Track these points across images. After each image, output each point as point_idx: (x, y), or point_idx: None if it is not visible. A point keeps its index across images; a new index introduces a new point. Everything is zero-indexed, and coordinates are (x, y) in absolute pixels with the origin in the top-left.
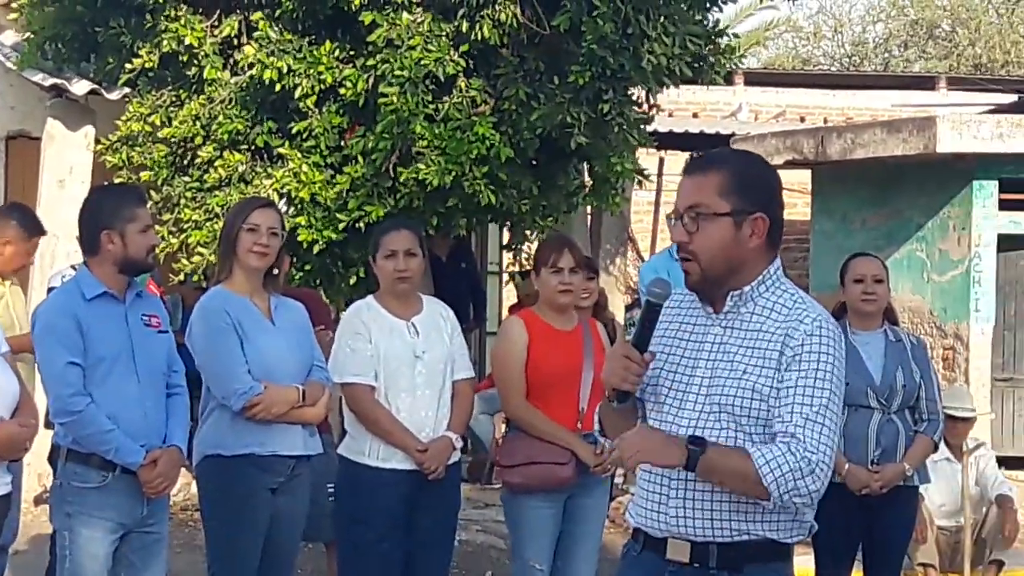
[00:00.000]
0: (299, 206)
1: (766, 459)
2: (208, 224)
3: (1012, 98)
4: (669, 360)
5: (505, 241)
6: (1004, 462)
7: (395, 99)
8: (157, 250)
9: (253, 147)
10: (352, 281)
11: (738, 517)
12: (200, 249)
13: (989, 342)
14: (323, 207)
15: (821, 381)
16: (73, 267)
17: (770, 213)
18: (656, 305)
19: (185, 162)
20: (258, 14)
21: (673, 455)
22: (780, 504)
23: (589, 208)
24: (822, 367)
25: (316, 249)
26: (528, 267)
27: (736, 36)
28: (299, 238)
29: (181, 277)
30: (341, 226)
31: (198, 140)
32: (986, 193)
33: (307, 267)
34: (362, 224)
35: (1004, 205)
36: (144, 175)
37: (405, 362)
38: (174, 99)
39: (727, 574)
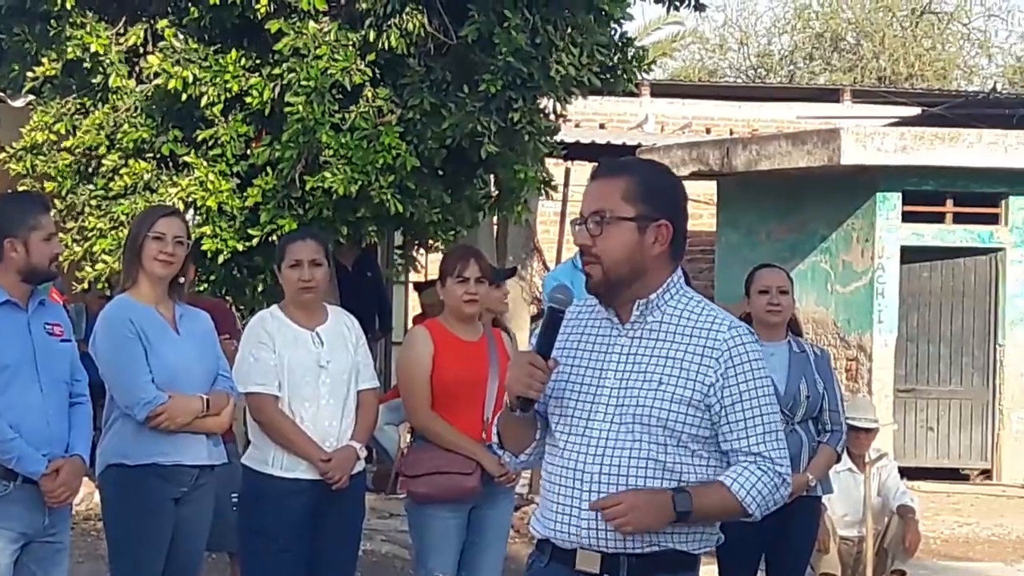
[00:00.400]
0: (205, 215)
1: (746, 489)
2: (113, 232)
3: (916, 111)
4: (574, 371)
5: (399, 248)
6: (906, 473)
7: (301, 108)
8: (61, 258)
9: (158, 155)
10: (260, 288)
11: (649, 532)
12: (104, 257)
13: (892, 353)
14: (230, 217)
15: (763, 390)
16: None
17: (674, 221)
18: (558, 311)
19: (90, 170)
20: (164, 22)
21: (665, 518)
22: (761, 516)
23: (495, 218)
24: (758, 376)
25: (221, 259)
26: (424, 277)
27: (644, 48)
28: (203, 247)
29: (85, 285)
30: (255, 240)
31: (103, 149)
32: (889, 205)
33: (212, 276)
34: (275, 238)
35: (907, 217)
36: (48, 184)
37: (309, 372)
38: (79, 107)
39: None
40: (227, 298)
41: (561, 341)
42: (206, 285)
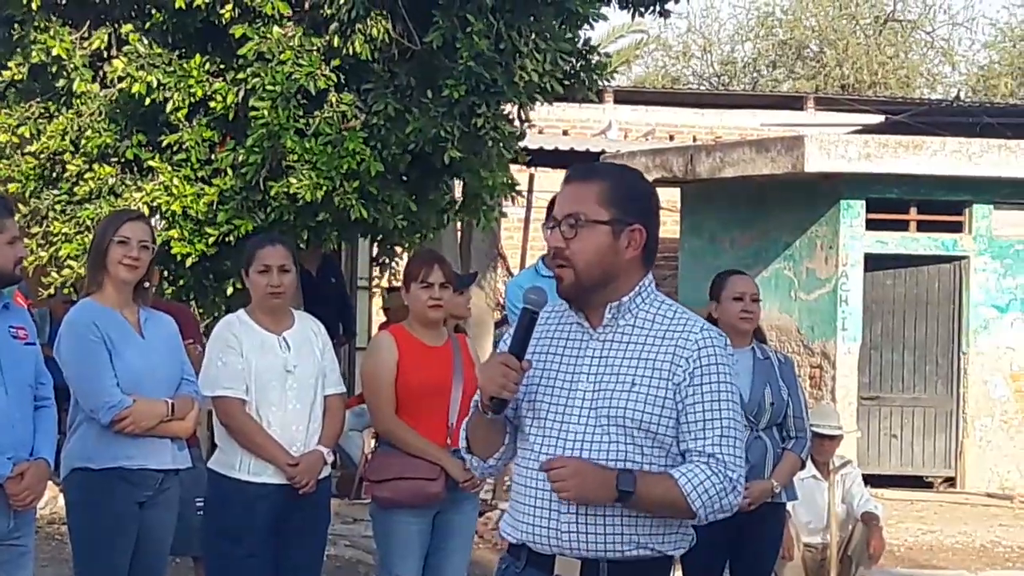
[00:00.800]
0: (171, 219)
1: (693, 485)
2: (78, 237)
3: (879, 119)
4: (546, 375)
5: (375, 255)
6: (870, 480)
7: (266, 113)
8: (26, 263)
9: (123, 160)
10: (229, 292)
11: (631, 531)
12: (70, 262)
13: (856, 361)
14: (194, 220)
15: (725, 395)
16: None
17: (647, 226)
18: (533, 312)
19: (54, 175)
20: (128, 27)
21: (607, 494)
22: (702, 521)
23: (459, 224)
24: (723, 379)
25: (189, 262)
26: (398, 283)
27: (607, 55)
28: (172, 251)
29: (51, 291)
30: (211, 240)
31: (67, 155)
32: (853, 213)
33: (181, 281)
34: (232, 238)
35: (871, 225)
36: (12, 187)
37: (276, 376)
38: (43, 111)
39: None
40: (193, 303)
41: (532, 345)
42: (172, 289)
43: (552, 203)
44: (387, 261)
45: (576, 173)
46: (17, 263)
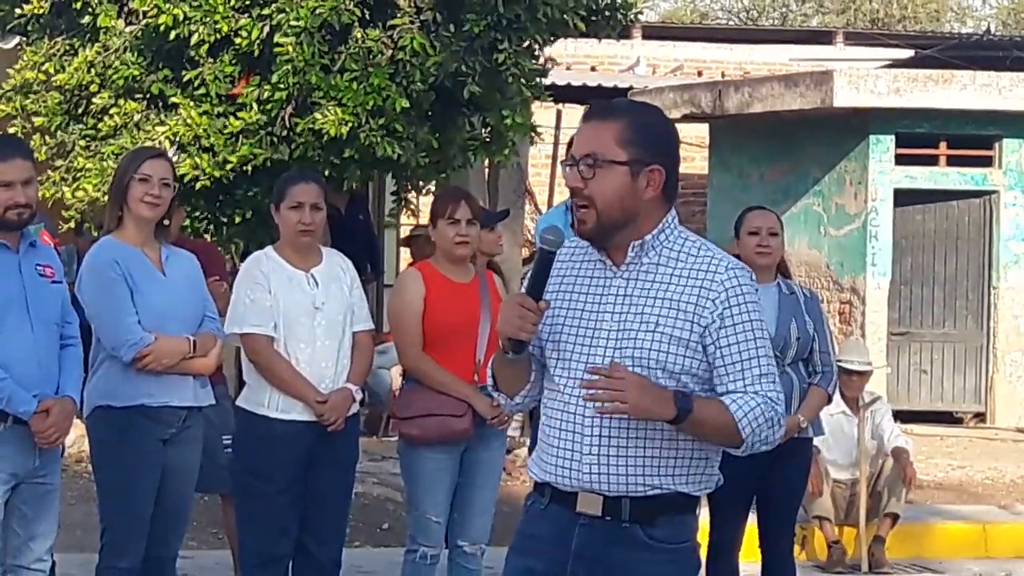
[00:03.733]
0: (189, 150)
1: (744, 412)
2: (101, 172)
3: (908, 53)
4: (571, 314)
5: (393, 192)
6: (900, 416)
7: (291, 49)
8: (47, 195)
9: (148, 95)
10: (238, 221)
11: (653, 472)
12: (85, 184)
13: (885, 296)
14: (211, 151)
15: (758, 332)
16: None
17: (666, 166)
18: (549, 252)
19: (79, 110)
20: None
21: (666, 411)
22: (745, 452)
23: (486, 161)
24: (754, 318)
25: (198, 186)
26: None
27: None
28: (181, 172)
29: (71, 224)
30: (229, 167)
31: (93, 88)
32: (882, 148)
33: (196, 213)
34: (250, 167)
35: (900, 160)
36: (38, 120)
37: (304, 313)
38: (68, 47)
39: (639, 527)
40: (206, 235)
41: (555, 284)
42: (187, 221)
43: (571, 141)
44: (407, 198)
45: (595, 111)
46: (12, 207)
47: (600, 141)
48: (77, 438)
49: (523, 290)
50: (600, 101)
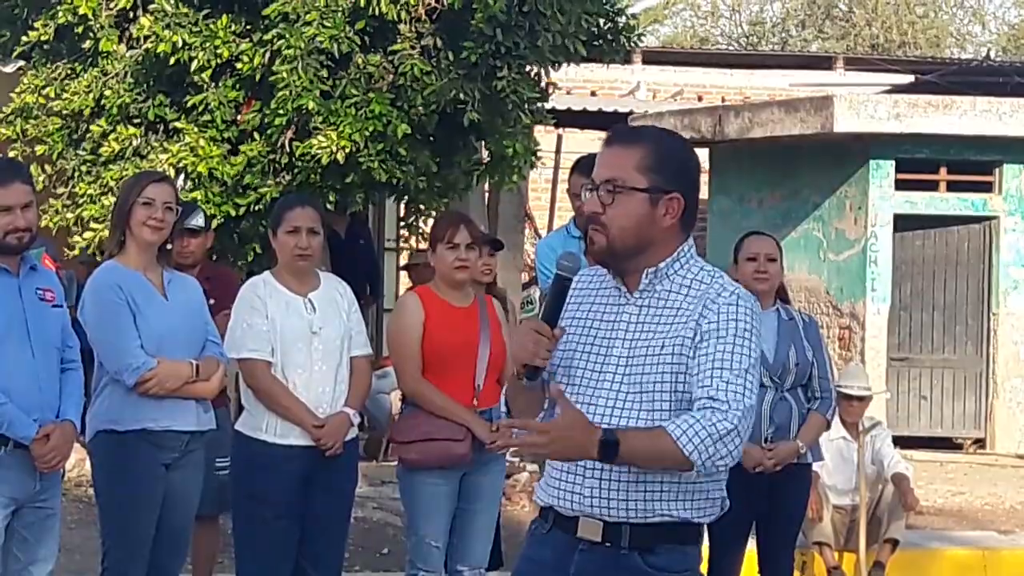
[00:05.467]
0: (196, 181)
1: (682, 429)
2: (102, 198)
3: (908, 78)
4: (582, 339)
5: (402, 217)
6: (900, 441)
7: (286, 75)
8: (50, 223)
9: (147, 121)
10: (249, 258)
11: (653, 497)
12: (93, 224)
13: (885, 322)
14: (220, 182)
15: (741, 347)
16: None
17: (686, 194)
18: (566, 279)
19: (79, 135)
20: None
21: (588, 452)
22: (704, 471)
23: (487, 185)
24: (740, 334)
25: (214, 224)
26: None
27: (634, 16)
28: None
29: (76, 252)
30: (243, 209)
31: (88, 113)
32: (883, 173)
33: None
34: (262, 205)
35: (900, 185)
36: (39, 148)
37: (302, 338)
38: (69, 71)
39: (637, 554)
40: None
41: (569, 309)
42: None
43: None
44: (415, 223)
45: (617, 136)
46: (11, 232)
47: (621, 167)
48: (77, 462)
49: (538, 316)
50: (623, 126)
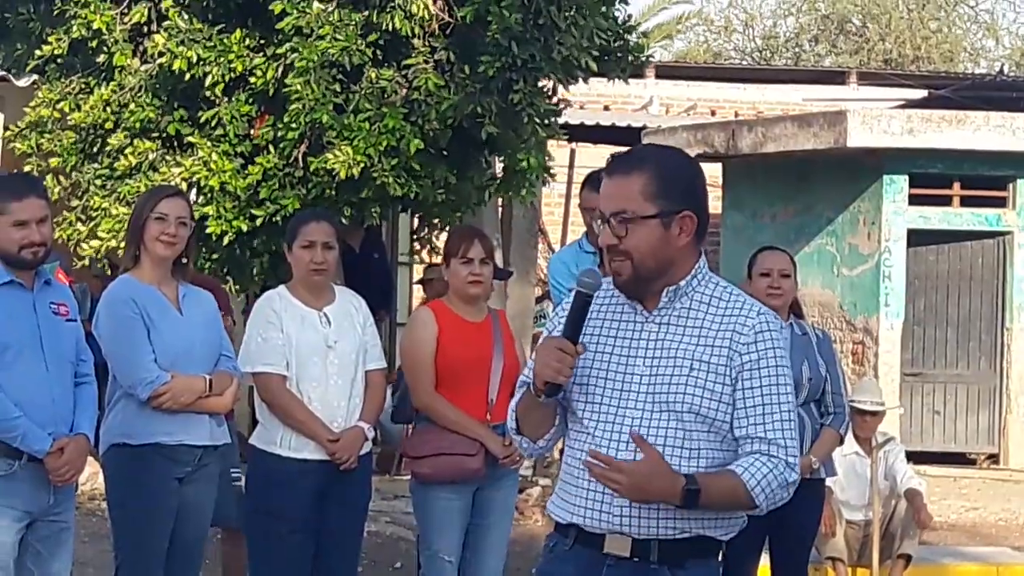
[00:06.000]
0: (208, 195)
1: (756, 480)
2: (116, 210)
3: (922, 93)
4: (601, 357)
5: (415, 231)
6: (913, 457)
7: (300, 88)
8: (64, 234)
9: (164, 135)
10: (255, 270)
11: (681, 515)
12: (101, 233)
13: (899, 337)
14: (233, 196)
15: (783, 378)
16: None
17: (696, 210)
18: (587, 295)
19: (95, 149)
20: (168, 1)
21: (669, 499)
22: (764, 511)
23: (500, 200)
24: (779, 364)
25: (226, 240)
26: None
27: (645, 35)
28: (208, 229)
29: (85, 262)
30: (259, 222)
31: (108, 126)
32: (896, 188)
33: (214, 256)
34: (279, 218)
35: (914, 200)
36: (53, 161)
37: (317, 352)
38: (83, 86)
39: (667, 569)
40: (227, 278)
41: (587, 326)
42: (208, 264)
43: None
44: (428, 236)
45: (616, 166)
46: (25, 247)
47: (627, 197)
48: (91, 475)
49: (557, 332)
50: (622, 153)
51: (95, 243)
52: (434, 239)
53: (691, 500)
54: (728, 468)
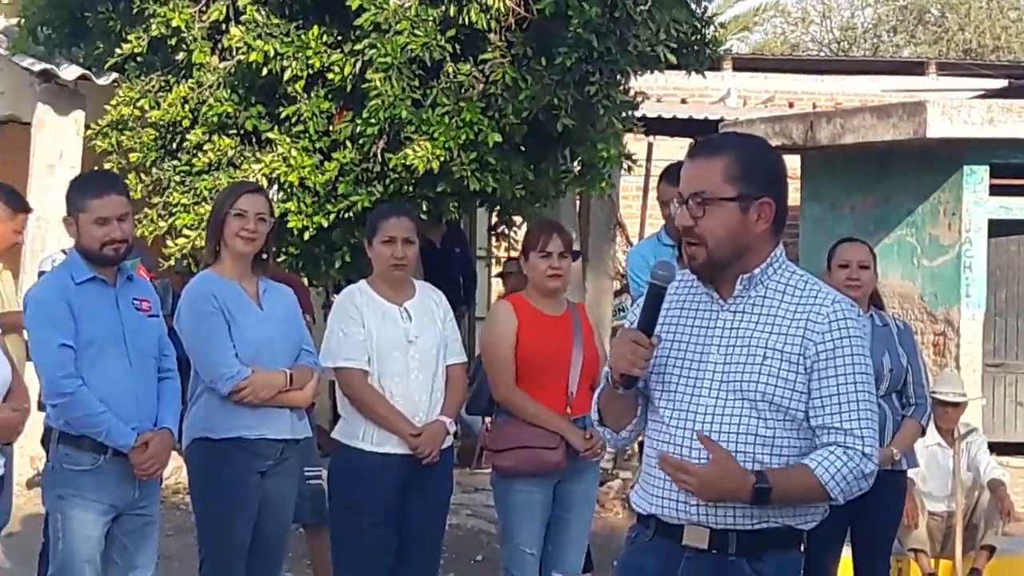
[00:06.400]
0: (288, 191)
1: (831, 473)
2: (196, 207)
3: (1002, 83)
4: (677, 346)
5: (492, 225)
6: (995, 448)
7: (379, 84)
8: (145, 232)
9: (242, 131)
10: (337, 265)
11: (760, 509)
12: (186, 231)
13: (980, 327)
14: (312, 192)
15: (860, 367)
16: (63, 251)
17: (776, 198)
18: (661, 288)
19: (174, 146)
20: None
21: (740, 497)
22: (841, 502)
23: (578, 193)
24: (857, 353)
25: (307, 236)
26: (516, 253)
27: (722, 27)
28: (289, 224)
29: (171, 262)
30: (332, 216)
31: (186, 123)
32: (976, 178)
33: (292, 250)
34: (352, 213)
35: (995, 190)
36: (133, 156)
37: (398, 347)
38: (163, 84)
39: (745, 561)
40: (303, 273)
41: (661, 317)
42: (286, 259)
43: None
44: (506, 231)
45: (700, 148)
46: (107, 244)
47: (707, 179)
48: (174, 469)
49: (633, 325)
50: (705, 137)
51: (181, 241)
52: (511, 233)
53: (762, 497)
54: (802, 462)
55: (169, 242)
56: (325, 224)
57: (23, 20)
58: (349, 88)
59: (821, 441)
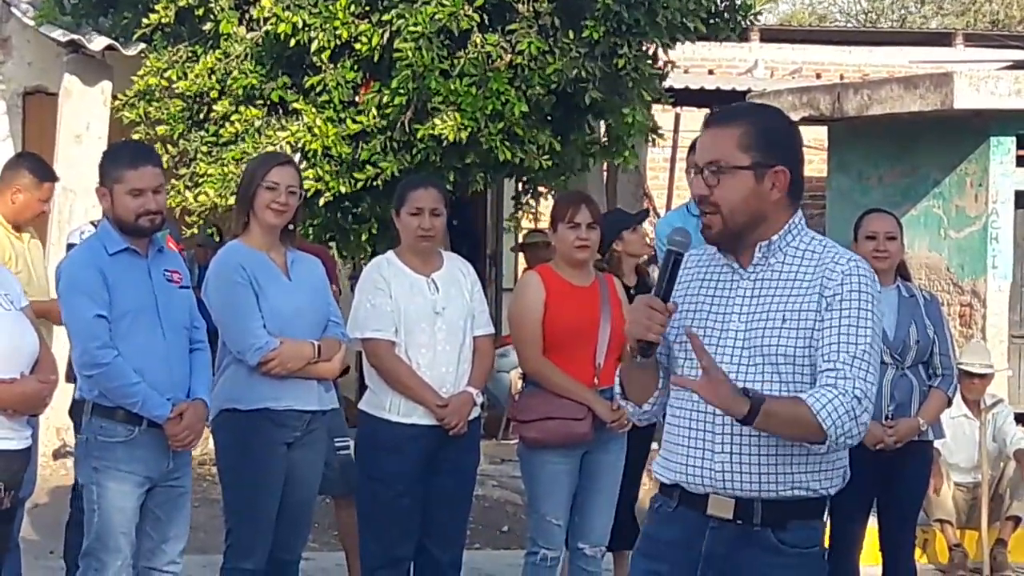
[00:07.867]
0: (312, 159)
1: (822, 404)
2: (223, 178)
3: None
4: (698, 314)
5: (516, 196)
6: (1022, 419)
7: (410, 54)
8: (172, 203)
9: (269, 102)
10: (364, 237)
11: (784, 470)
12: (207, 188)
13: (1007, 299)
14: (336, 160)
15: (863, 319)
16: (92, 223)
17: (790, 166)
18: (678, 254)
19: (201, 116)
20: None
21: (739, 406)
22: (834, 448)
23: (605, 165)
24: (863, 306)
25: (322, 201)
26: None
27: None
28: (309, 195)
29: (195, 229)
30: (359, 184)
31: (214, 94)
32: (1003, 149)
33: (317, 221)
34: (380, 181)
35: (1021, 161)
36: (160, 128)
37: (425, 318)
38: (190, 54)
39: (770, 531)
40: (330, 244)
41: (683, 287)
42: (312, 228)
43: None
44: (527, 201)
45: (714, 118)
46: (141, 215)
47: (722, 147)
48: (202, 440)
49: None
50: (720, 107)
51: (202, 198)
52: (535, 204)
53: (755, 408)
54: (795, 395)
55: (190, 198)
56: (344, 191)
57: None
58: (376, 59)
59: (819, 383)
